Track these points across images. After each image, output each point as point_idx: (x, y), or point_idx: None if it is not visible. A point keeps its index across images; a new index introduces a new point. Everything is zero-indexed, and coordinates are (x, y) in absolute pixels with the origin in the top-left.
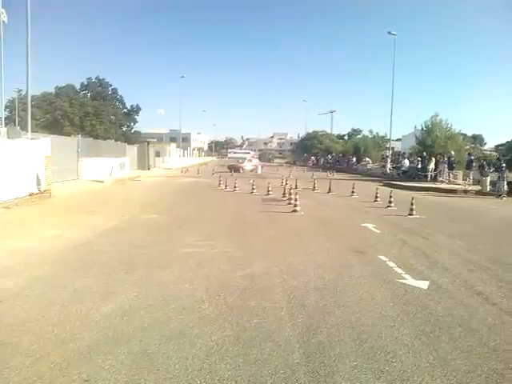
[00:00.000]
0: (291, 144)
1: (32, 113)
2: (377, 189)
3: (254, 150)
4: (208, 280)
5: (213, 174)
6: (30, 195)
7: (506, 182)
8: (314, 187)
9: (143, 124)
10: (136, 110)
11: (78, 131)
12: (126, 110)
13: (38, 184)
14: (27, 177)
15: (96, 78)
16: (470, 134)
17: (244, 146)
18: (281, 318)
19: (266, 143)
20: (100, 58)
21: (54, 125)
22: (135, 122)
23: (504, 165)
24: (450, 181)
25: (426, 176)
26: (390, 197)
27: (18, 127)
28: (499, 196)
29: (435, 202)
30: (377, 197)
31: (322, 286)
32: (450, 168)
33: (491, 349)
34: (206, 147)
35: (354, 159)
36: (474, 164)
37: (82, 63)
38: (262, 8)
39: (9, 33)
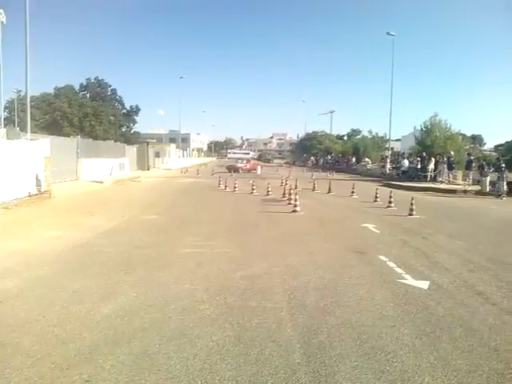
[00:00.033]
0: (291, 144)
1: (31, 113)
2: (376, 189)
3: (254, 151)
4: (208, 280)
5: (212, 174)
6: (30, 196)
7: (505, 182)
8: (314, 187)
9: (142, 124)
10: (135, 110)
11: (77, 132)
12: (125, 111)
13: (38, 185)
14: (27, 178)
15: (95, 79)
16: (469, 134)
17: (243, 147)
18: (281, 319)
19: (265, 143)
20: (99, 59)
21: (53, 125)
22: (134, 122)
23: (503, 165)
24: (449, 181)
25: (425, 176)
26: (390, 197)
27: (18, 128)
28: (499, 196)
29: (435, 202)
30: (376, 197)
31: (322, 287)
32: (450, 168)
33: (492, 349)
34: (205, 148)
35: (354, 159)
36: (473, 164)
37: (81, 64)
38: (261, 8)
39: (7, 33)
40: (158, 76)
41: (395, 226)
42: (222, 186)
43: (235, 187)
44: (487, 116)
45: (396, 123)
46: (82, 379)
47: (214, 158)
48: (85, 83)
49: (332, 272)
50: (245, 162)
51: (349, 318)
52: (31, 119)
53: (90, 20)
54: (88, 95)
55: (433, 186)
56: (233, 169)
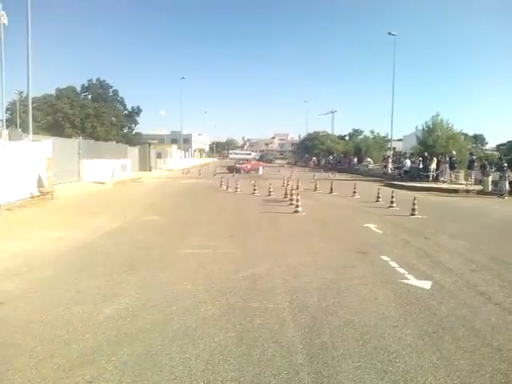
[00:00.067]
0: (292, 145)
1: (33, 115)
2: (378, 189)
3: (255, 151)
4: (210, 281)
5: (214, 175)
6: (32, 197)
7: (507, 182)
8: (316, 188)
9: (144, 125)
10: (137, 111)
11: (78, 133)
12: (126, 112)
13: (40, 186)
14: (29, 179)
15: (97, 80)
16: (471, 133)
17: (245, 147)
18: (283, 319)
19: (267, 144)
20: (101, 60)
21: (54, 127)
22: (136, 123)
23: (505, 164)
24: (451, 181)
25: (427, 176)
26: (392, 197)
27: (20, 129)
28: (501, 196)
29: (437, 202)
30: (378, 197)
31: (324, 287)
32: (452, 168)
33: (495, 349)
34: (207, 148)
35: (356, 160)
36: (475, 164)
37: (82, 65)
38: (262, 9)
39: (9, 35)
40: (160, 77)
41: (397, 226)
42: (224, 187)
43: (237, 188)
44: (489, 115)
45: (398, 123)
46: (85, 380)
47: (216, 159)
48: (86, 84)
49: (334, 272)
50: (245, 162)
51: (351, 318)
52: (33, 120)
53: (92, 21)
54: (90, 96)
55: (435, 185)
56: (234, 169)
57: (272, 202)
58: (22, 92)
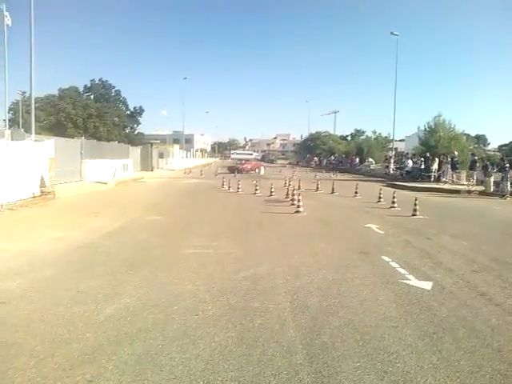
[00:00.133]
0: (294, 145)
1: (35, 115)
2: (380, 189)
3: (257, 151)
4: (211, 281)
5: (216, 175)
6: (34, 197)
7: (509, 183)
8: (317, 188)
9: (146, 126)
10: (139, 111)
11: (81, 133)
12: (129, 112)
13: (42, 185)
14: (31, 178)
15: (99, 80)
16: (473, 134)
17: (247, 147)
18: (284, 319)
19: (268, 144)
20: (103, 60)
21: (57, 127)
22: (138, 123)
23: (507, 165)
24: (453, 181)
25: (429, 176)
26: (394, 197)
27: (22, 129)
28: (503, 196)
29: (439, 203)
30: (380, 197)
31: (325, 287)
32: (454, 168)
33: (495, 349)
34: (209, 148)
35: (357, 160)
36: (477, 164)
37: (85, 65)
38: (263, 9)
39: (12, 35)
40: (162, 77)
41: (399, 227)
42: (226, 187)
43: (238, 188)
44: (491, 116)
45: (400, 123)
46: (85, 379)
47: (218, 159)
48: (89, 84)
49: (335, 272)
50: (246, 162)
51: (352, 318)
52: (35, 120)
53: (93, 21)
54: (92, 96)
55: (436, 186)
56: (236, 170)
57: (273, 202)
58: (24, 92)
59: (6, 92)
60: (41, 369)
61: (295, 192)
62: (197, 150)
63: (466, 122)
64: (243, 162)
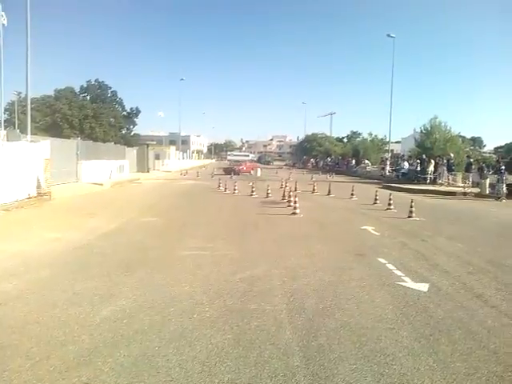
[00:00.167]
0: (290, 146)
1: (31, 115)
2: (376, 191)
3: (254, 153)
4: (208, 282)
5: (212, 176)
6: (30, 198)
7: (505, 185)
8: (314, 190)
9: (143, 127)
10: (135, 112)
11: (77, 134)
12: (125, 113)
13: (38, 186)
14: (27, 179)
15: (95, 81)
16: (469, 136)
17: (243, 149)
18: (281, 321)
19: (265, 145)
20: (99, 61)
21: (53, 127)
22: (135, 124)
23: (503, 167)
24: (449, 183)
25: (425, 178)
26: (390, 199)
27: (18, 130)
28: (498, 198)
29: (434, 205)
30: (376, 199)
31: (321, 289)
32: (450, 170)
33: (491, 351)
34: (205, 150)
35: (354, 162)
36: (473, 166)
37: (81, 66)
38: (261, 10)
39: (8, 35)
40: (158, 78)
41: (395, 229)
42: (222, 188)
43: (235, 189)
44: (487, 118)
45: (396, 125)
46: (81, 382)
47: (214, 160)
48: (85, 85)
49: (331, 274)
50: (241, 163)
51: (348, 320)
52: (31, 121)
53: (91, 22)
54: (88, 97)
55: (432, 188)
56: (232, 171)
57: (270, 203)
58: (20, 92)
59: (2, 92)
60: (36, 371)
61: (292, 193)
62: (193, 152)
63: (462, 124)
64: (239, 163)
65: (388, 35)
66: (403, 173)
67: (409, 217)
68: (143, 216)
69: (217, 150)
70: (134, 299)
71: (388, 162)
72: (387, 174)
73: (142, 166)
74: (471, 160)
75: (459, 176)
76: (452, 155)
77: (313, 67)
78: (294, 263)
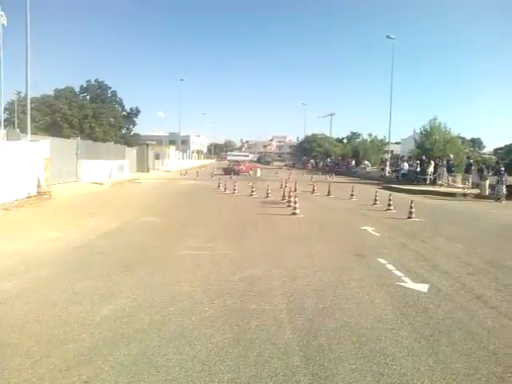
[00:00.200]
0: (290, 147)
1: (31, 115)
2: (376, 192)
3: (253, 153)
4: (207, 282)
5: (212, 176)
6: (30, 197)
7: (504, 186)
8: (314, 190)
9: (142, 126)
10: (135, 112)
11: (77, 133)
12: (125, 113)
13: (38, 186)
14: (27, 179)
15: (95, 81)
16: (468, 137)
17: (243, 149)
18: (280, 321)
19: (265, 146)
20: (99, 61)
21: (53, 127)
22: (134, 124)
23: (503, 168)
24: (448, 184)
25: (425, 179)
26: (389, 200)
27: (18, 129)
28: (498, 199)
29: (434, 206)
30: (376, 200)
31: (321, 289)
32: (449, 171)
33: (491, 352)
34: (205, 150)
35: (353, 162)
36: (472, 167)
37: (81, 65)
38: (260, 10)
39: (8, 35)
40: (158, 78)
41: (394, 229)
42: (222, 188)
43: (235, 189)
44: (487, 119)
45: (396, 126)
46: (81, 380)
47: (214, 160)
48: (85, 85)
49: (331, 274)
50: (242, 164)
51: (348, 320)
52: (31, 121)
53: (91, 22)
54: (88, 97)
55: (432, 189)
56: (231, 171)
57: (270, 203)
58: (20, 92)
59: (2, 92)
60: (36, 369)
61: (291, 194)
62: (193, 152)
63: (462, 125)
64: (239, 163)
65: (388, 37)
66: (403, 174)
67: (409, 217)
68: (143, 216)
69: (217, 150)
70: (133, 298)
71: (388, 163)
72: (387, 174)
73: (142, 165)
74: (471, 161)
75: (459, 177)
76: (452, 156)
77: (313, 68)
78: (294, 263)
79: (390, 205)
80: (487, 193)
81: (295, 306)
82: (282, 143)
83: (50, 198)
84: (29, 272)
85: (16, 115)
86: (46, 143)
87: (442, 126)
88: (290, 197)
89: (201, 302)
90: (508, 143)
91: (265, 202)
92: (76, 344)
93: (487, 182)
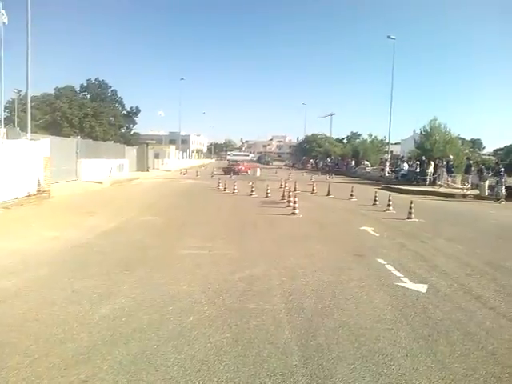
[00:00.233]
0: (290, 147)
1: (31, 114)
2: (375, 192)
3: (253, 153)
4: (207, 282)
5: (212, 176)
6: (29, 196)
7: (504, 187)
8: (313, 190)
9: (142, 126)
10: (135, 111)
11: (77, 132)
12: (125, 112)
13: (38, 185)
14: (26, 177)
15: (96, 80)
16: (468, 138)
17: (243, 149)
18: (279, 321)
19: (265, 146)
20: (100, 59)
21: (53, 126)
22: (134, 123)
23: (502, 169)
24: (448, 185)
25: (424, 180)
26: (389, 200)
27: (18, 128)
28: (497, 200)
29: (434, 206)
30: (375, 200)
31: (320, 289)
32: (449, 172)
33: (489, 352)
34: (205, 149)
35: (353, 162)
36: (472, 168)
37: (81, 64)
38: (260, 10)
39: (9, 33)
40: (159, 77)
41: (394, 230)
42: (221, 188)
43: (234, 189)
44: (486, 120)
45: (396, 126)
46: (80, 379)
47: (214, 160)
48: (85, 84)
49: (330, 274)
50: (242, 163)
51: (347, 320)
52: (31, 119)
53: (91, 20)
54: (88, 96)
55: (432, 189)
56: (231, 171)
57: (269, 203)
58: (20, 91)
59: (2, 90)
60: (35, 368)
61: (291, 194)
62: (193, 151)
63: (461, 125)
64: (239, 163)
65: (388, 37)
66: (403, 174)
67: (408, 218)
68: (143, 215)
69: (216, 149)
70: (132, 298)
71: (387, 163)
72: (387, 175)
73: (142, 165)
74: (471, 162)
75: (458, 178)
76: (451, 157)
77: (313, 67)
78: (293, 263)
79: (389, 205)
80: (487, 194)
81: (294, 306)
82: (281, 143)
83: (49, 197)
84: (28, 271)
85: (16, 114)
86: (46, 142)
87: (442, 126)
88: (289, 197)
89: (200, 301)
90: (508, 144)
91: (264, 201)
92: (75, 343)
93: (487, 183)
